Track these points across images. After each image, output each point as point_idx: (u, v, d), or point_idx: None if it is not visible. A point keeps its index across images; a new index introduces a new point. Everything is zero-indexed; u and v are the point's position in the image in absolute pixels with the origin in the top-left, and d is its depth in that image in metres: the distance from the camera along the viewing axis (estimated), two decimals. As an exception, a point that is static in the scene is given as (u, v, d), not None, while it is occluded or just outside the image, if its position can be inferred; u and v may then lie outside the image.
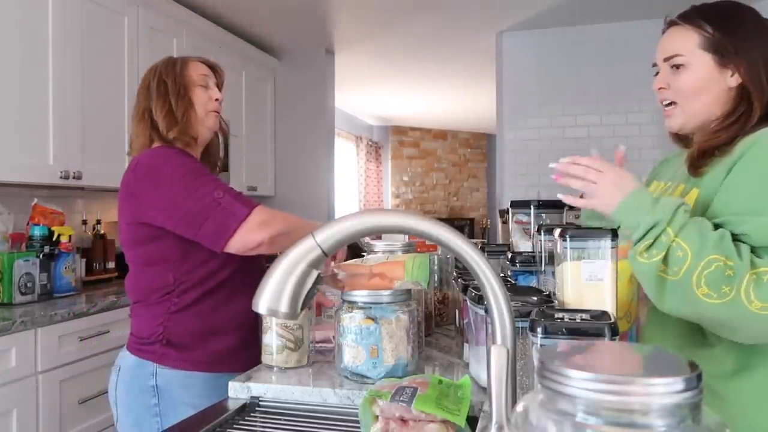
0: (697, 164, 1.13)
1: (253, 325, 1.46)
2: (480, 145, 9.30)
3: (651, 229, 0.99)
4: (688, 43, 1.15)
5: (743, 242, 1.00)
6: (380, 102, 7.04)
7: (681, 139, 1.30)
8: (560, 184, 1.14)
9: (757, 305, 0.93)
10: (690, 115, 1.17)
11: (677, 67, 1.16)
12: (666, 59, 1.18)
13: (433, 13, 3.96)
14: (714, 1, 1.19)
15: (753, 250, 0.99)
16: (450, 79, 5.84)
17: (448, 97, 6.71)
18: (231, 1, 3.65)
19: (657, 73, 1.21)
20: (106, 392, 1.54)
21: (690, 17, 1.16)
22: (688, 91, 1.15)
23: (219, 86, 1.63)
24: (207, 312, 1.46)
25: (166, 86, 1.52)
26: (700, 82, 1.14)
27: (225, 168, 1.82)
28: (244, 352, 1.47)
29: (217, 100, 1.57)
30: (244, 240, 1.36)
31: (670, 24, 1.20)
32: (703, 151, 1.13)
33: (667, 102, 1.20)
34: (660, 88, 1.20)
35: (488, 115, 6.03)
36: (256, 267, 1.53)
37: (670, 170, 1.31)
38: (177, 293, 1.44)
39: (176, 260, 1.43)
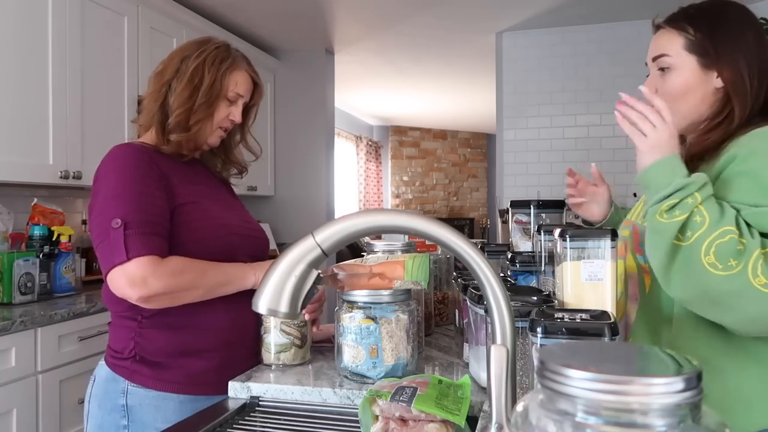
0: (689, 168, 1.13)
1: (236, 344, 1.36)
2: (480, 145, 9.30)
3: (680, 189, 0.99)
4: (673, 45, 1.17)
5: None
6: (380, 102, 7.04)
7: None
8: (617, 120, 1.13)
9: (762, 281, 0.94)
10: (679, 116, 1.17)
11: (664, 69, 1.18)
12: (654, 59, 1.20)
13: (433, 13, 3.96)
14: (702, 1, 1.20)
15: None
16: (450, 79, 5.84)
17: (448, 97, 6.71)
18: (231, 1, 3.65)
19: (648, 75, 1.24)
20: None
21: (675, 20, 1.18)
22: (676, 92, 1.16)
23: (251, 106, 1.50)
24: (181, 327, 1.32)
25: (201, 80, 1.37)
26: (686, 83, 1.15)
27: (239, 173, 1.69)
28: (227, 373, 1.28)
29: (232, 120, 1.43)
30: (116, 288, 1.23)
31: (658, 27, 1.22)
32: (692, 155, 1.14)
33: None
34: None
35: (488, 115, 6.03)
36: None
37: None
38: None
39: None
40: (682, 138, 1.27)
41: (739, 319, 0.99)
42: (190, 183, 1.40)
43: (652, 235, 1.02)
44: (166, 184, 1.33)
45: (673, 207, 0.99)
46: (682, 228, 0.98)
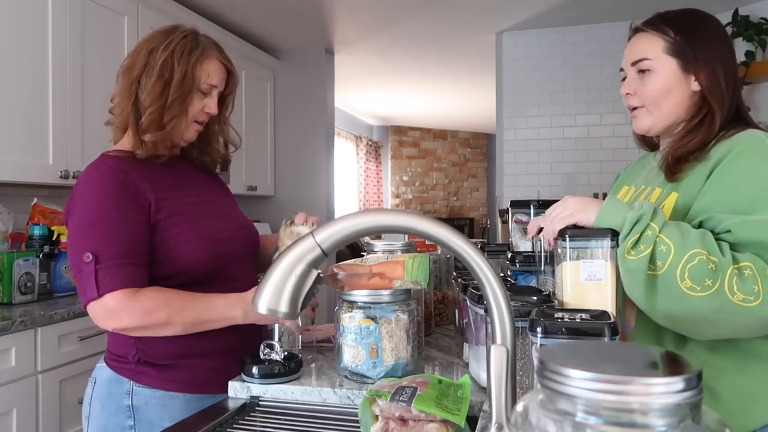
0: (674, 170, 1.16)
1: (241, 347, 1.33)
2: (480, 145, 9.30)
3: (636, 223, 1.00)
4: (653, 48, 1.19)
5: (723, 240, 1.02)
6: (380, 102, 7.04)
7: (647, 143, 1.35)
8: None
9: (739, 297, 0.96)
10: (657, 117, 1.20)
11: (644, 72, 1.20)
12: (633, 63, 1.21)
13: (432, 13, 3.96)
14: (677, 9, 1.23)
15: (732, 246, 1.01)
16: (450, 79, 5.84)
17: (447, 97, 6.71)
18: (231, 1, 3.65)
19: (624, 78, 1.25)
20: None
21: (654, 23, 1.21)
22: (656, 94, 1.19)
23: (227, 94, 1.43)
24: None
25: (172, 74, 1.29)
26: (666, 85, 1.18)
27: (225, 167, 1.62)
28: (235, 372, 1.27)
29: (207, 113, 1.37)
30: (95, 320, 1.24)
31: (636, 30, 1.24)
32: (678, 158, 1.15)
33: (634, 106, 1.24)
34: (627, 94, 1.24)
35: (488, 115, 6.03)
36: (241, 282, 1.36)
37: (640, 174, 1.34)
38: None
39: None
40: (652, 141, 1.34)
41: (731, 330, 1.01)
42: (172, 189, 1.35)
43: (627, 274, 1.03)
44: (145, 200, 1.28)
45: (636, 243, 1.00)
46: (652, 259, 1.00)
